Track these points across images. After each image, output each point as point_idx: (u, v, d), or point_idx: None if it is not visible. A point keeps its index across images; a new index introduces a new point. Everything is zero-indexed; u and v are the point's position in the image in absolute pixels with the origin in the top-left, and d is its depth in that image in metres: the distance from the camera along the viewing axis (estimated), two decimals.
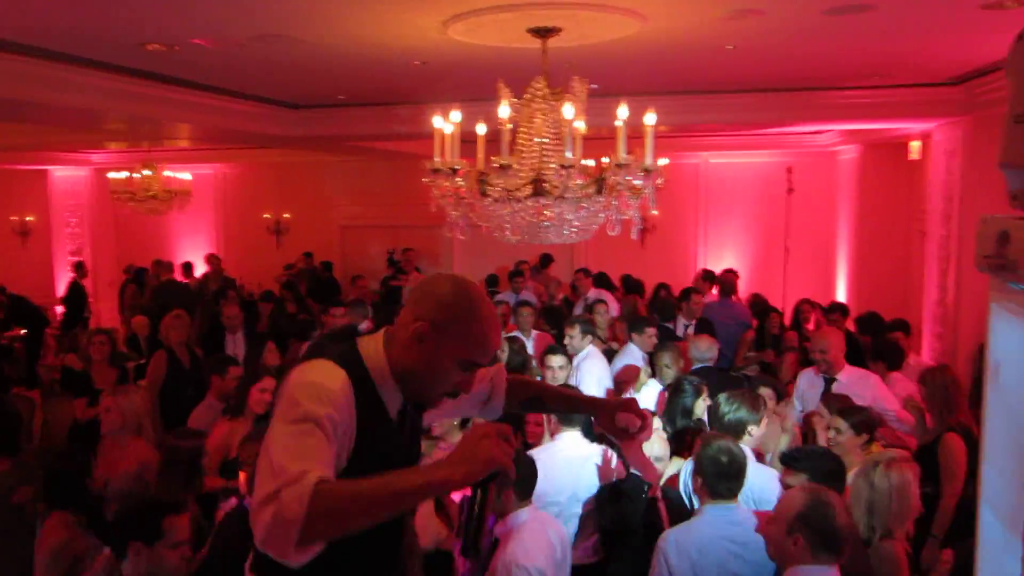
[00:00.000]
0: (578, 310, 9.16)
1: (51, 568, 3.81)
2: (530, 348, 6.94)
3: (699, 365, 5.91)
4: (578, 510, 4.21)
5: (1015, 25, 1.71)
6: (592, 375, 6.13)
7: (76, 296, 12.74)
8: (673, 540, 3.33)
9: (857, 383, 5.46)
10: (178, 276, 13.30)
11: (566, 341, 6.39)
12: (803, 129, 10.72)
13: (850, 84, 7.58)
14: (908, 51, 6.04)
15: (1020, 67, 1.76)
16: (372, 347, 2.20)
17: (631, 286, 10.27)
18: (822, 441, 4.31)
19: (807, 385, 5.70)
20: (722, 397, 4.31)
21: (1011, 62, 1.77)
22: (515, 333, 7.15)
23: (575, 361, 6.23)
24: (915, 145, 10.02)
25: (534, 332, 7.41)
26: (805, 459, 3.53)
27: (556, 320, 7.92)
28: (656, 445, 4.22)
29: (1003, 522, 1.97)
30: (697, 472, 3.48)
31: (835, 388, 5.49)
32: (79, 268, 13.08)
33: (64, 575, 3.82)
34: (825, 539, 2.75)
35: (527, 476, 3.51)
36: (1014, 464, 1.89)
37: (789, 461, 3.55)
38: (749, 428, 4.11)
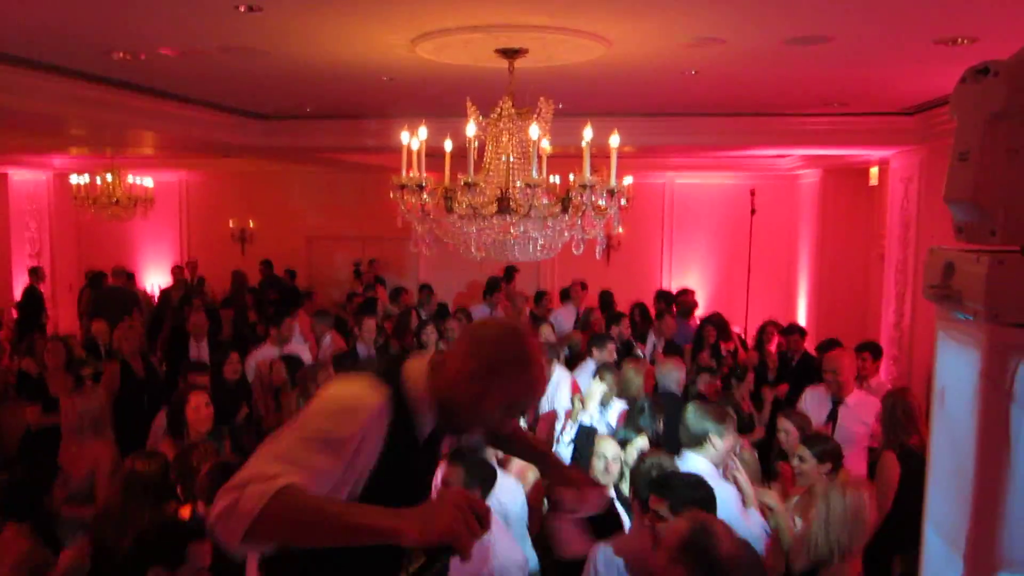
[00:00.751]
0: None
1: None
2: None
3: (665, 390, 5.92)
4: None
5: (968, 60, 1.79)
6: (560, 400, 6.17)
7: (32, 301, 12.51)
8: (601, 552, 3.35)
9: (863, 407, 5.55)
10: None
11: None
12: (765, 152, 10.88)
13: (810, 111, 7.74)
14: (865, 81, 6.19)
15: (964, 107, 1.83)
16: (417, 372, 2.24)
17: (607, 303, 10.32)
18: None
19: (814, 404, 5.75)
20: (690, 406, 4.36)
21: (955, 102, 1.84)
22: None
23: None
24: (874, 171, 10.23)
25: None
26: (672, 487, 3.36)
27: None
28: (614, 464, 4.28)
29: (946, 541, 2.03)
30: (631, 485, 3.53)
31: (842, 412, 5.56)
32: (35, 273, 12.85)
33: None
34: (707, 571, 2.54)
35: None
36: (957, 486, 1.95)
37: (656, 488, 3.39)
38: (711, 438, 4.12)
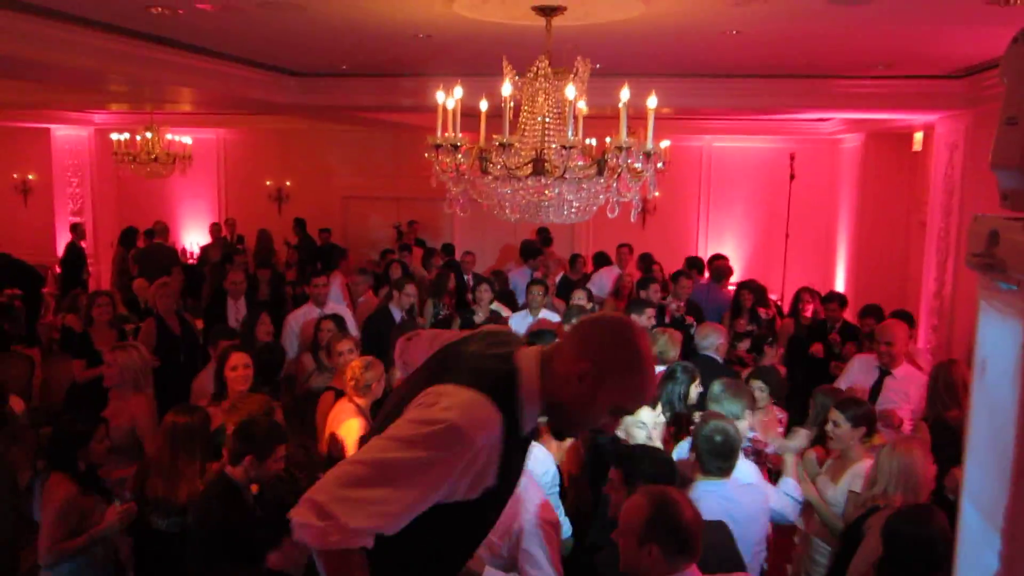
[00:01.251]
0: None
1: (58, 524, 3.89)
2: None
3: (704, 353, 5.92)
4: None
5: (1019, 21, 1.72)
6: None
7: (74, 257, 12.71)
8: None
9: (910, 381, 5.52)
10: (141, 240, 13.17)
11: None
12: (807, 116, 10.68)
13: (854, 73, 7.56)
14: (912, 42, 6.02)
15: (1015, 69, 1.76)
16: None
17: (647, 267, 10.21)
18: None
19: (861, 372, 5.72)
20: (717, 386, 4.36)
21: (1006, 63, 1.77)
22: (521, 313, 7.23)
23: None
24: (918, 137, 10.00)
25: (544, 312, 7.36)
26: (632, 460, 3.40)
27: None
28: (655, 431, 4.26)
29: (983, 516, 2.00)
30: (692, 449, 3.55)
31: (887, 382, 5.54)
32: (76, 229, 13.05)
33: (71, 531, 3.90)
34: (678, 541, 2.60)
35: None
36: (996, 460, 1.91)
37: (619, 461, 3.43)
38: (739, 420, 4.17)
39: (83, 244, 12.98)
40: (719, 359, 5.94)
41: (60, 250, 13.18)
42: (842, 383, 5.68)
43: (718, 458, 3.53)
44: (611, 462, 3.48)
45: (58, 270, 12.45)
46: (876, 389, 5.56)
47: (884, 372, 5.58)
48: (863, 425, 4.15)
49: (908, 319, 6.58)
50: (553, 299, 8.29)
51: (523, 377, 2.13)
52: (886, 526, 3.14)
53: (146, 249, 11.98)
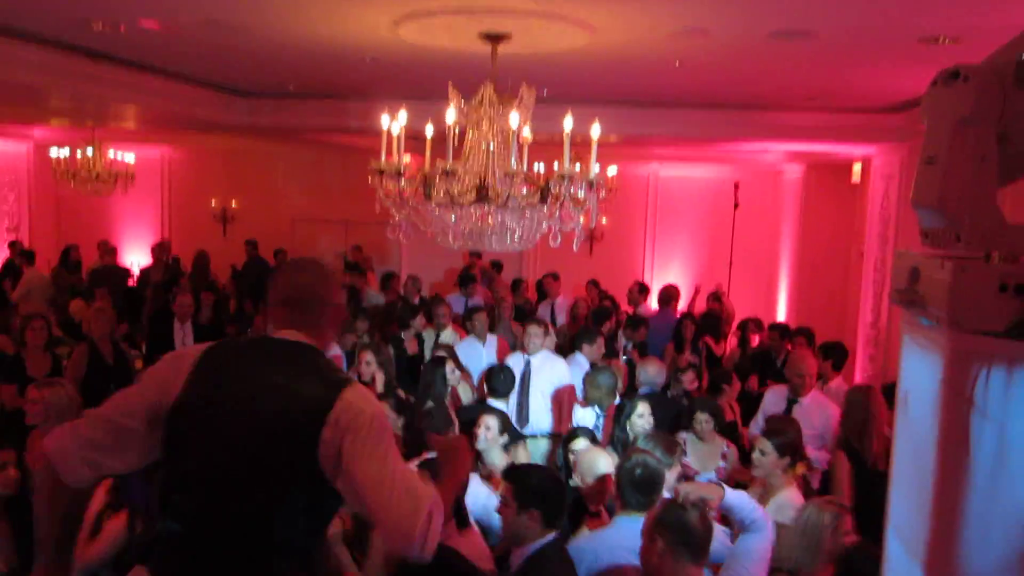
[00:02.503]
0: (544, 312, 9.42)
1: None
2: (488, 354, 6.90)
3: (646, 389, 5.91)
4: None
5: (950, 59, 1.77)
6: (544, 377, 6.16)
7: (11, 275, 12.36)
8: (576, 545, 3.41)
9: (817, 408, 5.56)
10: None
11: (525, 340, 6.32)
12: (751, 146, 10.88)
13: (793, 105, 7.73)
14: (849, 77, 6.19)
15: (934, 111, 1.82)
16: None
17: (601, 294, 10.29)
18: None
19: (773, 404, 5.78)
20: (641, 440, 4.29)
21: (926, 105, 1.83)
22: (469, 339, 7.14)
23: (531, 362, 6.22)
24: (857, 168, 10.25)
25: (491, 337, 7.21)
26: (520, 477, 3.42)
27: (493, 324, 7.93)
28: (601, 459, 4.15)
29: (906, 548, 2.03)
30: (615, 483, 3.53)
31: (796, 409, 5.56)
32: (14, 247, 12.70)
33: None
34: (685, 538, 2.80)
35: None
36: (918, 492, 1.95)
37: (506, 475, 3.48)
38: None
39: (23, 265, 12.63)
40: (661, 393, 5.97)
41: None
42: (759, 416, 5.76)
43: (638, 492, 3.46)
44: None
45: None
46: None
47: (792, 401, 5.66)
48: (787, 455, 4.16)
49: (840, 352, 6.64)
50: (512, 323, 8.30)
51: None
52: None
53: (100, 269, 11.67)
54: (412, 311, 7.75)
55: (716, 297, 10.43)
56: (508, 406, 5.70)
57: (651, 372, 6.02)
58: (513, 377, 5.73)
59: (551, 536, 3.17)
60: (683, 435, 5.01)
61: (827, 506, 3.54)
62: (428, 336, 7.48)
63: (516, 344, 6.95)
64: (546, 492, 3.21)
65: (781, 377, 6.97)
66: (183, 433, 2.24)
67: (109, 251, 12.33)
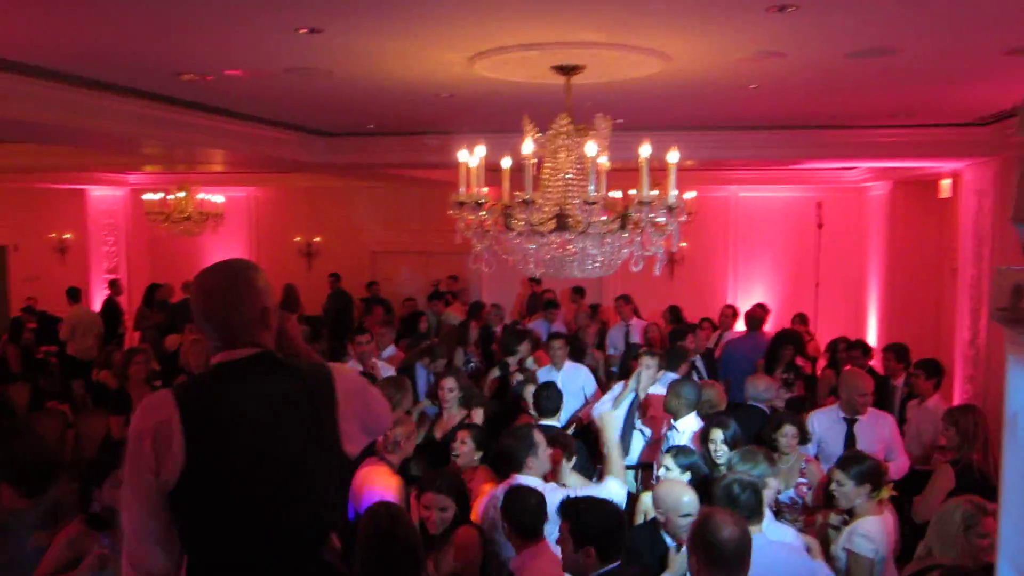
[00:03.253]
0: (617, 335, 9.52)
1: (53, 558, 3.94)
2: (566, 380, 6.84)
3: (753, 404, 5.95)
4: None
5: None
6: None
7: (111, 313, 12.92)
8: None
9: (877, 423, 5.59)
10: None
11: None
12: (832, 165, 10.66)
13: (875, 123, 7.55)
14: (934, 93, 6.02)
15: None
16: None
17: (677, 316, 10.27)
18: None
19: (828, 425, 5.70)
20: (736, 455, 4.30)
21: (1022, 119, 1.77)
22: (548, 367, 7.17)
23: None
24: (945, 183, 9.93)
25: (567, 364, 7.19)
26: (579, 511, 3.43)
27: (579, 352, 7.89)
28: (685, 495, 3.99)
29: None
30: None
31: (857, 428, 5.53)
32: (114, 285, 13.28)
33: (65, 565, 3.92)
34: (713, 553, 2.95)
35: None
36: None
37: (562, 511, 3.49)
38: (768, 481, 4.16)
39: (120, 300, 13.19)
40: (766, 410, 5.89)
41: (95, 306, 13.40)
42: (813, 437, 5.66)
43: (739, 510, 3.46)
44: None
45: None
46: (849, 436, 5.57)
47: (851, 421, 5.61)
48: (867, 482, 4.08)
49: (932, 368, 6.46)
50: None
51: None
52: None
53: (179, 304, 12.12)
54: (518, 337, 7.75)
55: (801, 319, 10.21)
56: (559, 423, 5.72)
57: (760, 387, 5.99)
58: (559, 395, 5.67)
59: (611, 567, 3.22)
60: None
61: (966, 504, 3.58)
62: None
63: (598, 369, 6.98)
64: (602, 529, 3.25)
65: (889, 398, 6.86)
66: (211, 485, 2.19)
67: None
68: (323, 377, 2.36)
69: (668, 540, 3.89)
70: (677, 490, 3.91)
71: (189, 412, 2.17)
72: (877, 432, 5.48)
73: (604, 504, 3.43)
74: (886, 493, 4.13)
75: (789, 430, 4.94)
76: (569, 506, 3.42)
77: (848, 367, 7.57)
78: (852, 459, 4.25)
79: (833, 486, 4.15)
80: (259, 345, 2.30)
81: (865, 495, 4.07)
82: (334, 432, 2.33)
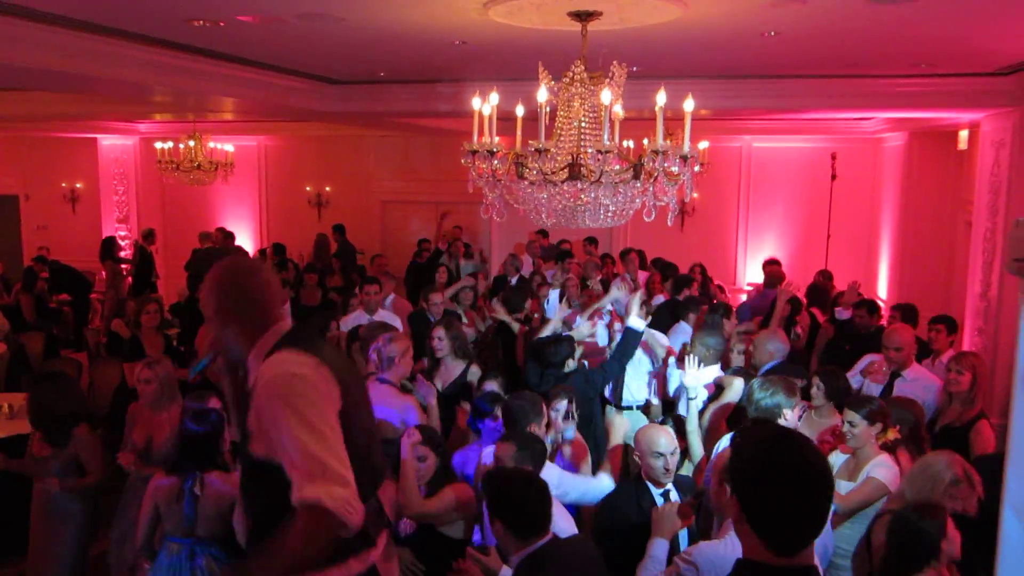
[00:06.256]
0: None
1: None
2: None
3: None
4: None
5: None
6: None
7: (143, 262, 13.00)
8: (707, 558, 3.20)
9: (921, 382, 5.52)
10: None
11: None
12: (848, 115, 10.53)
13: (895, 72, 7.44)
14: (956, 40, 5.91)
15: None
16: None
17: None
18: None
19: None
20: (756, 383, 4.34)
21: None
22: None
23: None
24: (963, 135, 9.82)
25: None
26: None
27: None
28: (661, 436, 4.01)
29: None
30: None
31: (898, 384, 5.53)
32: (148, 235, 13.33)
33: None
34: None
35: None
36: None
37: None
38: (784, 412, 4.15)
39: (152, 249, 13.26)
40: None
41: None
42: (852, 382, 5.63)
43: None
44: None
45: (103, 274, 12.66)
46: (888, 391, 5.53)
47: (894, 374, 5.59)
48: (878, 421, 4.14)
49: (951, 324, 6.45)
50: None
51: None
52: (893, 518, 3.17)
53: (203, 252, 12.14)
54: (524, 295, 7.86)
55: (825, 275, 10.16)
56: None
57: (778, 343, 5.87)
58: (569, 348, 5.68)
59: (540, 543, 3.12)
60: None
61: (956, 467, 3.58)
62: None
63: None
64: (516, 503, 3.16)
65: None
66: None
67: (227, 235, 12.87)
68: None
69: (654, 490, 3.93)
70: (652, 431, 4.00)
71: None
72: (917, 392, 5.34)
73: (520, 473, 3.42)
74: (891, 435, 4.17)
75: (815, 382, 4.98)
76: (489, 479, 3.38)
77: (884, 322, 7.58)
78: (861, 399, 4.34)
79: (844, 426, 4.18)
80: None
81: (876, 434, 4.14)
82: None
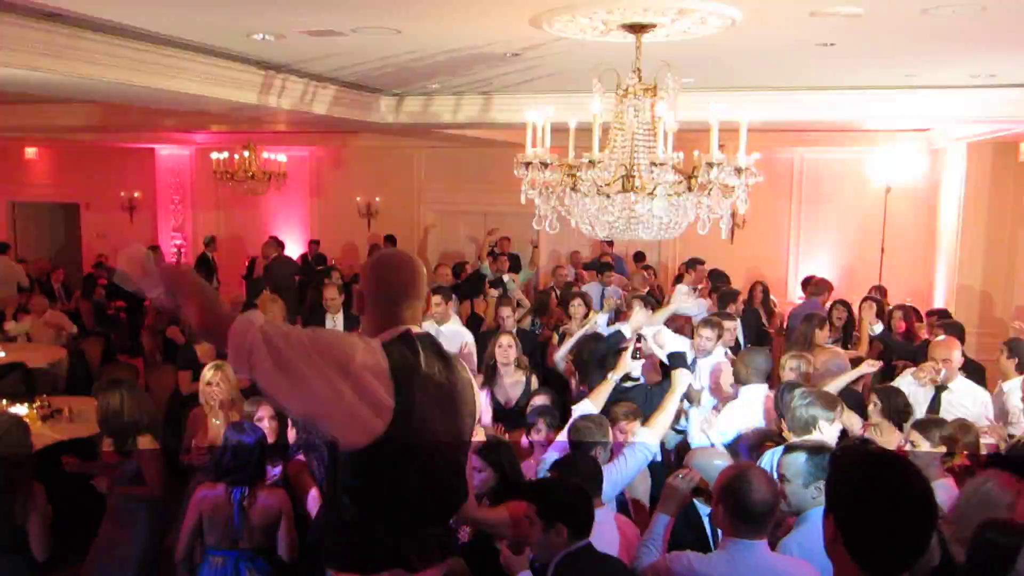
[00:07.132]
0: None
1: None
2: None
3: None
4: None
5: None
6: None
7: (205, 269, 13.27)
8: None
9: (967, 395, 5.44)
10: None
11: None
12: (904, 126, 10.35)
13: (953, 83, 7.29)
14: (1015, 50, 5.79)
15: None
16: None
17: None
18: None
19: (913, 390, 5.57)
20: (797, 392, 4.29)
21: None
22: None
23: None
24: None
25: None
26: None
27: None
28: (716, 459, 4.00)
29: None
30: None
31: (945, 397, 5.43)
32: (210, 243, 13.59)
33: None
34: (740, 511, 2.99)
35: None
36: None
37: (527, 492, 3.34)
38: (820, 424, 4.09)
39: (214, 256, 13.51)
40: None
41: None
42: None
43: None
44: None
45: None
46: (935, 404, 5.45)
47: (940, 387, 5.48)
48: (943, 446, 4.05)
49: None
50: None
51: None
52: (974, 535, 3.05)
53: (275, 262, 12.26)
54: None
55: (879, 291, 9.99)
56: None
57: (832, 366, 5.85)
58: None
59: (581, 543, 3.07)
60: None
61: (1009, 487, 3.44)
62: None
63: None
64: (571, 505, 3.11)
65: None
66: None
67: (272, 245, 13.05)
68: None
69: (702, 509, 3.82)
70: (709, 455, 3.99)
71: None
72: (966, 404, 5.31)
73: (568, 481, 3.38)
74: (959, 460, 4.07)
75: (872, 399, 4.93)
76: (533, 487, 3.43)
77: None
78: (930, 422, 4.24)
79: (908, 447, 4.11)
80: None
81: (939, 459, 4.03)
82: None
